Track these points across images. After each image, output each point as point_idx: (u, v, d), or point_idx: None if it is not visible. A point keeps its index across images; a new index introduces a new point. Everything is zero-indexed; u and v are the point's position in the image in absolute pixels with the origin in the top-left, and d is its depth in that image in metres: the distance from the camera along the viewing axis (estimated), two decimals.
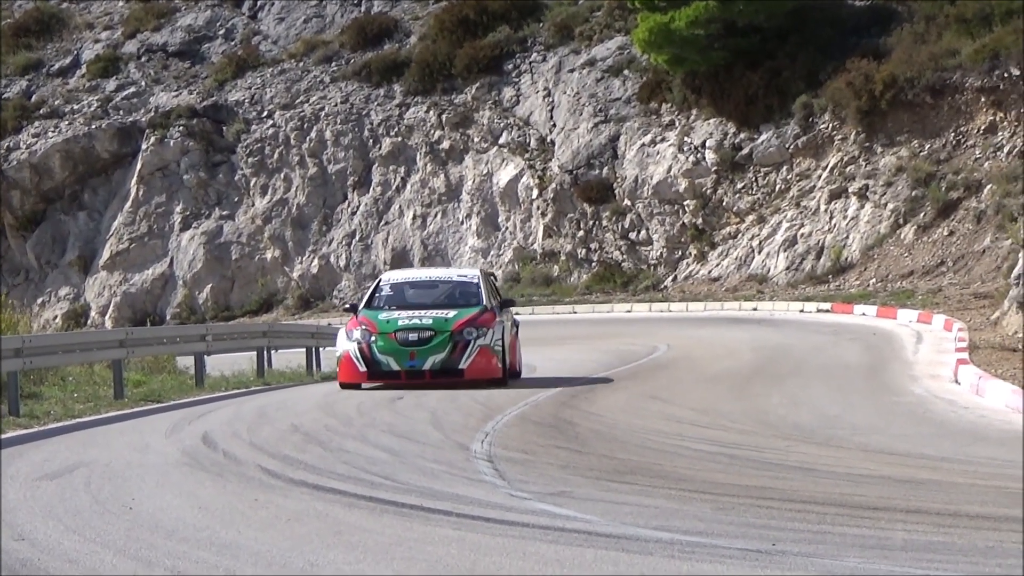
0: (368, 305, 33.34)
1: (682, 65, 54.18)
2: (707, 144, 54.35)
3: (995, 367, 28.93)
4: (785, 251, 50.98)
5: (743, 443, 22.33)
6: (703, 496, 17.75)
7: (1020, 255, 35.67)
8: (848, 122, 51.50)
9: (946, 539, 14.67)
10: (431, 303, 33.74)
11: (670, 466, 20.02)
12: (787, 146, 52.85)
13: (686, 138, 54.86)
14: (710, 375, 33.07)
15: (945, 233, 47.27)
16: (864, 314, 42.99)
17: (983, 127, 49.07)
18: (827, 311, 44.75)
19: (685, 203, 54.23)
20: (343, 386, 32.05)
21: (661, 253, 54.20)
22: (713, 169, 54.07)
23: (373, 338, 31.45)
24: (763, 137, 53.31)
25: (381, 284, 34.55)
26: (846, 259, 49.33)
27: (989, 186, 46.97)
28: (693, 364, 35.41)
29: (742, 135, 53.74)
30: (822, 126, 52.32)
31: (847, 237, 49.87)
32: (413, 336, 31.62)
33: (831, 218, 50.84)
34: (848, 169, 51.10)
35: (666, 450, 21.92)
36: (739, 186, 53.55)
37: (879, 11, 53.94)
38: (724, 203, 53.73)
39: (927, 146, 49.73)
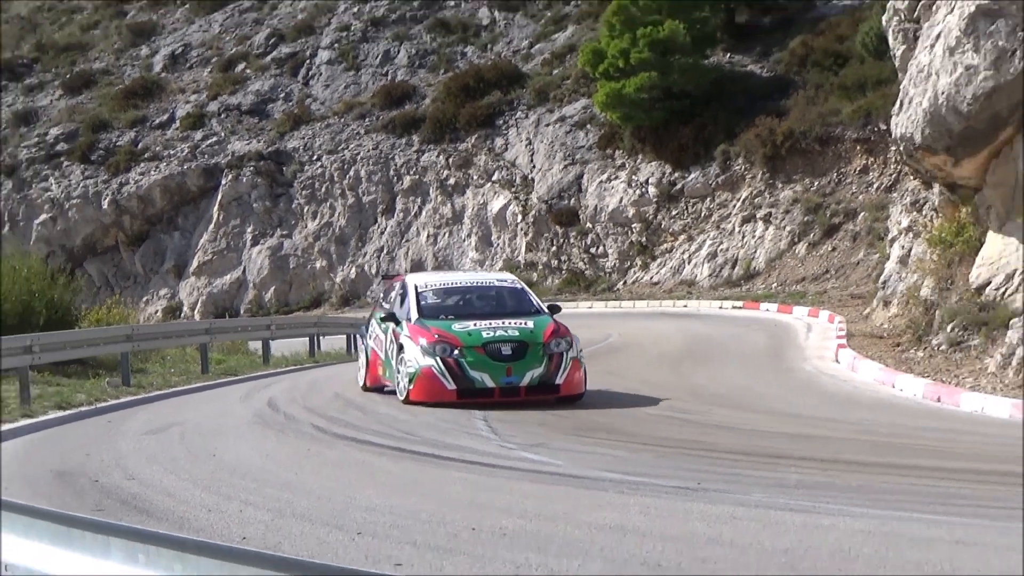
0: (422, 314, 23.83)
1: (631, 121, 54.12)
2: (650, 181, 54.26)
3: (866, 350, 28.97)
4: (708, 262, 50.89)
5: (677, 407, 22.28)
6: (646, 447, 17.83)
7: (885, 265, 35.70)
8: (756, 164, 51.43)
9: (828, 480, 14.77)
10: (491, 311, 24.67)
11: (621, 425, 20.07)
12: (710, 183, 52.77)
13: (634, 176, 54.76)
14: (652, 356, 32.95)
15: (829, 249, 47.24)
16: (768, 310, 42.93)
17: (858, 169, 48.98)
18: (740, 308, 44.69)
19: (633, 226, 54.12)
20: (411, 403, 22.72)
21: (614, 263, 54.11)
22: (654, 200, 53.96)
23: (457, 352, 22.36)
24: (692, 176, 53.23)
25: (420, 291, 24.77)
26: (754, 268, 49.27)
27: (863, 213, 46.92)
28: (639, 348, 35.32)
29: (676, 174, 53.65)
30: (736, 167, 52.24)
31: (755, 252, 49.83)
32: (506, 350, 22.58)
33: (743, 237, 50.77)
34: (756, 200, 51.02)
35: (619, 413, 21.94)
36: (673, 213, 53.45)
37: (780, 80, 53.87)
38: (662, 225, 53.61)
39: (816, 183, 49.67)
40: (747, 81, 55.03)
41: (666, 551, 10.92)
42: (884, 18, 34.10)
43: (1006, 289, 26.18)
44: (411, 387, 22.80)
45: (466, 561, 10.68)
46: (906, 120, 28.94)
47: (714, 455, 16.89)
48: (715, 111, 53.22)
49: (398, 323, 24.09)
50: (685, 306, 47.37)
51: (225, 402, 25.43)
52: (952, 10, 27.60)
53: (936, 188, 30.79)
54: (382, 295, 27.66)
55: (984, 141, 27.05)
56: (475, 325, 23.29)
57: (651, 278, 52.64)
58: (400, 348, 23.43)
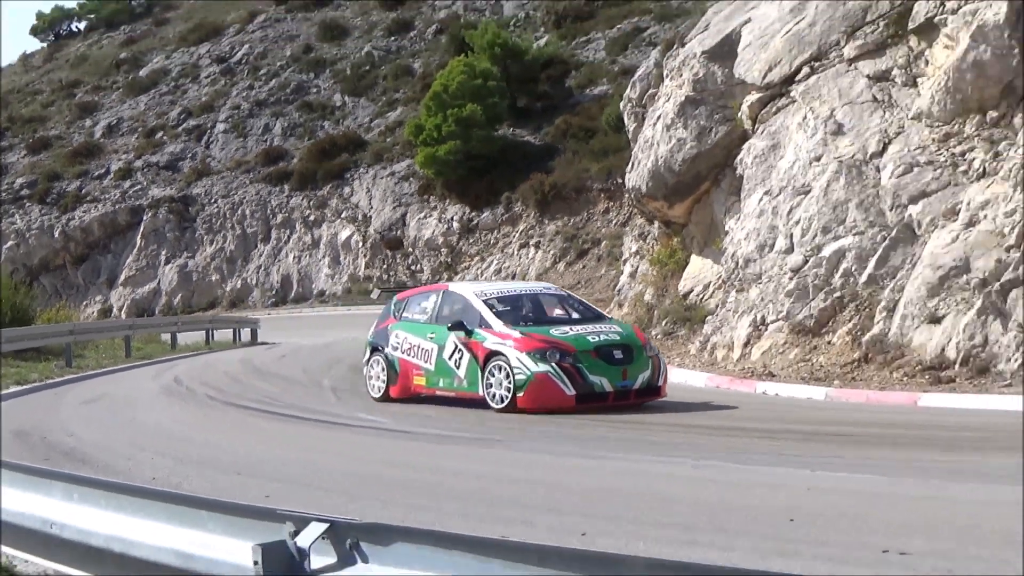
0: (508, 321, 17.69)
1: (441, 176, 54.04)
2: (454, 218, 54.20)
3: None
4: (495, 276, 50.95)
5: None
6: (451, 409, 17.77)
7: (620, 279, 36.02)
8: (530, 207, 51.55)
9: (608, 432, 14.81)
10: (564, 317, 18.63)
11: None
12: (497, 219, 52.80)
13: (443, 215, 54.63)
14: None
15: (581, 267, 47.54)
16: None
17: (602, 210, 49.34)
18: None
19: (441, 250, 53.97)
20: (516, 411, 16.72)
21: (428, 277, 53.92)
22: (457, 232, 53.85)
23: (571, 357, 16.78)
24: (484, 214, 53.23)
25: (485, 299, 18.39)
26: (528, 280, 49.50)
27: (604, 241, 47.30)
28: None
29: (473, 213, 53.63)
30: (516, 209, 52.33)
31: (528, 268, 49.88)
32: (618, 353, 17.12)
33: (520, 258, 50.83)
34: (530, 232, 51.19)
35: None
36: (471, 241, 53.38)
37: (549, 147, 54.09)
38: (463, 250, 53.55)
39: (572, 220, 49.94)
40: (525, 148, 55.23)
41: (475, 487, 10.93)
42: (621, 104, 34.48)
43: (703, 296, 26.62)
44: (520, 394, 16.73)
45: (310, 491, 10.61)
46: (636, 176, 29.28)
47: (506, 414, 16.92)
48: (502, 169, 53.32)
49: (469, 332, 17.66)
50: None
51: (142, 379, 25.05)
52: (669, 99, 28.01)
53: (656, 224, 31.16)
54: (393, 307, 20.08)
55: (689, 191, 27.50)
56: (571, 330, 17.55)
57: None
58: (490, 356, 17.24)
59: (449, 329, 17.89)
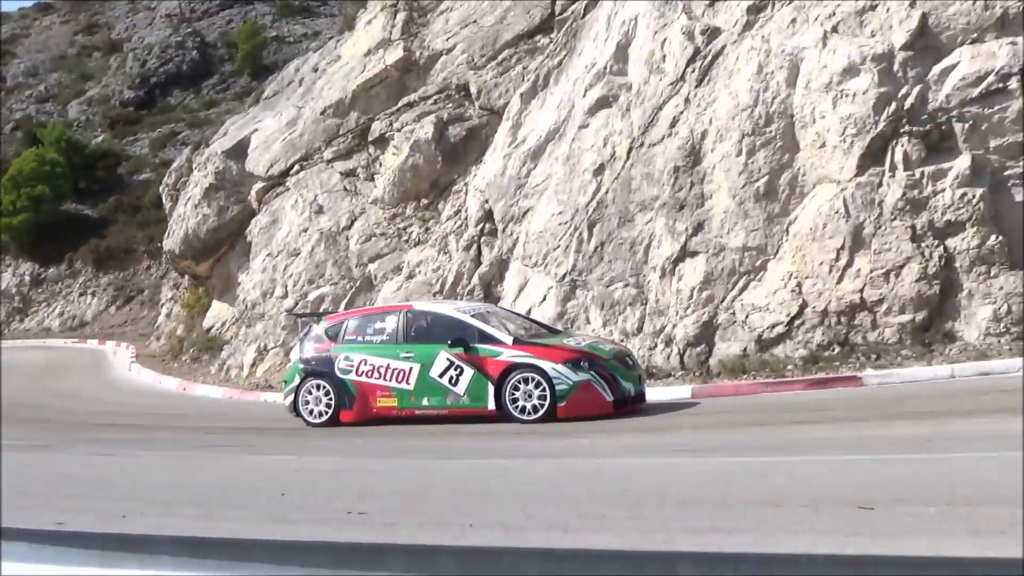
0: (531, 335, 13.08)
1: (16, 240, 49.44)
2: (26, 273, 49.59)
3: (147, 364, 27.54)
4: (58, 319, 47.02)
5: (80, 402, 20.15)
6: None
7: (159, 318, 34.22)
8: (88, 264, 47.98)
9: (144, 436, 13.67)
10: (542, 331, 13.70)
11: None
12: (62, 274, 48.72)
13: (16, 270, 49.76)
14: (29, 371, 29.60)
15: (128, 310, 44.62)
16: (93, 343, 39.70)
17: (146, 267, 46.80)
18: (77, 341, 41.26)
19: (15, 298, 49.02)
20: (557, 421, 12.02)
21: (4, 320, 49.04)
22: (28, 283, 49.17)
23: (601, 366, 12.37)
24: (51, 270, 49.07)
25: (472, 315, 13.17)
26: (84, 320, 45.85)
27: (146, 291, 44.72)
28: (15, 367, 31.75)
29: (42, 269, 49.25)
30: (77, 265, 48.54)
31: (86, 312, 46.37)
32: (629, 360, 12.97)
33: (80, 304, 47.03)
34: (88, 283, 47.60)
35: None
36: (40, 291, 48.81)
37: (104, 219, 50.64)
38: (33, 298, 48.94)
39: (122, 274, 47.00)
40: (85, 219, 51.48)
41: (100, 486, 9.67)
42: (161, 188, 32.93)
43: (222, 330, 25.64)
44: (562, 403, 12.13)
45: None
46: (171, 241, 28.02)
47: (77, 422, 15.38)
48: (66, 234, 49.48)
49: (468, 348, 12.60)
50: (44, 342, 43.36)
51: None
52: (197, 185, 26.99)
53: (186, 277, 29.92)
54: (327, 331, 13.99)
55: (212, 253, 26.73)
56: (579, 341, 13.12)
57: (24, 327, 48.08)
58: (511, 369, 12.33)
59: (450, 346, 12.74)
